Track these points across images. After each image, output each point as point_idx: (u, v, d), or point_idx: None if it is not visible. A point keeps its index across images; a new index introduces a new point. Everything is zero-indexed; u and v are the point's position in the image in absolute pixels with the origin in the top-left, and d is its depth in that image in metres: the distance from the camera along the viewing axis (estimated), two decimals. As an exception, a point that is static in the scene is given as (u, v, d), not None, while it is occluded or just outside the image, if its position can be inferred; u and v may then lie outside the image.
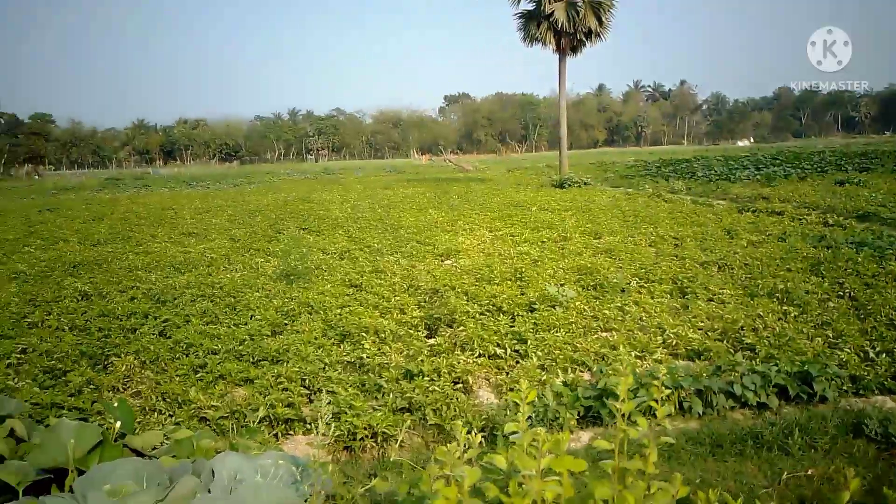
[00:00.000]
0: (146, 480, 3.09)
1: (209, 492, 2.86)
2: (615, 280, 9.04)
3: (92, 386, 6.01)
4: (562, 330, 7.05)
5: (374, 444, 4.95)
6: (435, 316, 7.89)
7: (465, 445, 2.46)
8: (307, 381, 5.92)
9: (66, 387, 5.96)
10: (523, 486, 2.58)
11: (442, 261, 11.76)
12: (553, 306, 7.87)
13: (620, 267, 10.14)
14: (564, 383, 5.54)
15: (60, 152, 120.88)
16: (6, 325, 8.11)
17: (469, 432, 3.38)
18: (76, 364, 6.60)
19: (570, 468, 2.54)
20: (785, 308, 7.73)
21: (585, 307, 7.91)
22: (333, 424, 4.85)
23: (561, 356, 6.31)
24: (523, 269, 10.02)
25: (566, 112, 31.66)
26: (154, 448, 3.59)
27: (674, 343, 6.73)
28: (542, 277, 9.53)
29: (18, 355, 6.97)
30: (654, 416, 3.22)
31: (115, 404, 3.87)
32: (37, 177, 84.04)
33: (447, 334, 7.23)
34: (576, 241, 12.70)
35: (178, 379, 6.10)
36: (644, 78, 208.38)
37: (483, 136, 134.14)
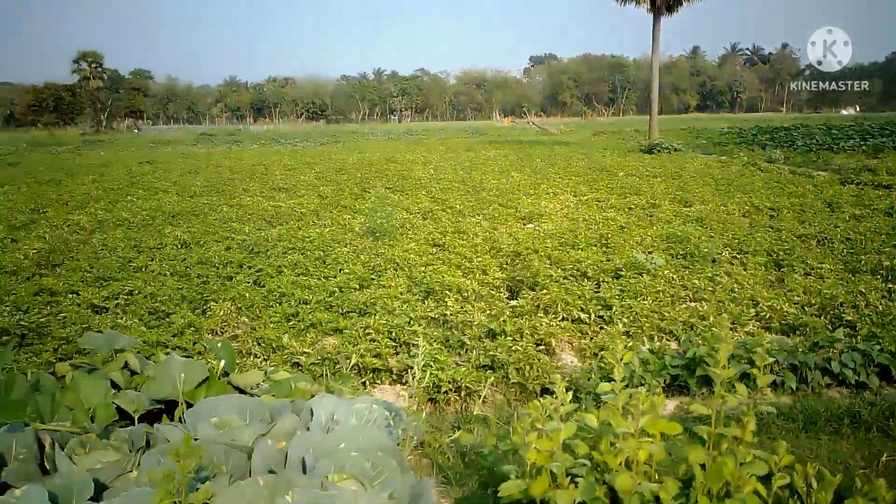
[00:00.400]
0: (249, 416, 3.28)
1: (308, 430, 3.01)
2: (706, 250, 8.76)
3: (192, 328, 6.37)
4: (649, 298, 6.92)
5: (458, 398, 5.06)
6: (517, 278, 7.89)
7: (560, 401, 2.49)
8: (394, 334, 6.07)
9: (170, 328, 6.35)
10: (615, 444, 2.59)
11: (524, 224, 11.70)
12: (640, 273, 7.71)
13: (712, 236, 9.80)
14: (651, 350, 5.46)
15: (158, 107, 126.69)
16: (114, 268, 8.67)
17: (553, 393, 3.40)
18: (178, 307, 7.01)
19: (665, 430, 2.52)
20: (889, 286, 7.30)
21: (674, 276, 7.72)
22: (414, 378, 4.98)
23: (647, 324, 6.21)
24: (609, 235, 9.85)
25: (658, 75, 30.47)
26: (254, 387, 3.80)
27: (767, 316, 6.49)
28: (628, 244, 9.34)
29: (126, 296, 7.46)
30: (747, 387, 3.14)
31: (219, 345, 4.11)
32: (136, 131, 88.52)
33: (529, 297, 7.23)
34: (665, 209, 12.34)
35: (271, 326, 6.38)
36: (742, 41, 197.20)
37: (568, 98, 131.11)
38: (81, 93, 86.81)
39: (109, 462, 2.91)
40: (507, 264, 8.74)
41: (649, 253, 8.67)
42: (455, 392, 5.07)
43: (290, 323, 6.52)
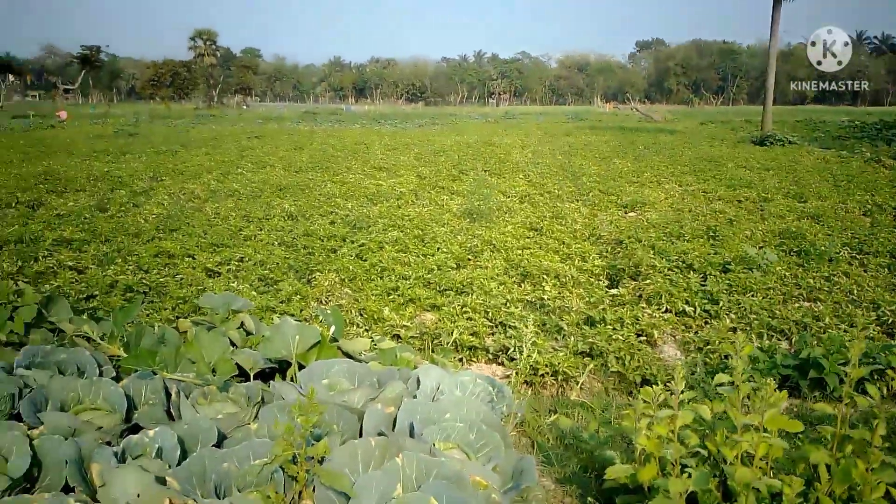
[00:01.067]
0: (358, 380, 3.39)
1: (415, 397, 3.08)
2: (822, 248, 8.25)
3: (299, 296, 6.63)
4: (759, 294, 6.61)
5: (554, 382, 5.02)
6: (618, 266, 7.72)
7: (674, 390, 2.43)
8: (490, 314, 6.10)
9: (278, 294, 6.63)
10: (730, 437, 2.50)
11: (626, 212, 11.42)
12: (750, 269, 7.37)
13: (829, 234, 9.22)
14: (760, 348, 5.22)
15: (265, 85, 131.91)
16: (225, 235, 9.14)
17: (654, 384, 3.32)
18: (285, 275, 7.31)
19: (786, 427, 2.41)
20: None
21: (787, 273, 7.33)
22: (519, 357, 4.98)
23: (756, 321, 5.94)
24: (717, 228, 9.45)
25: (774, 63, 28.80)
26: (361, 354, 3.91)
27: (889, 321, 6.06)
28: (737, 238, 8.94)
29: (237, 263, 7.84)
30: (865, 392, 2.94)
31: (329, 312, 4.26)
32: (245, 107, 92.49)
33: (631, 286, 7.06)
34: (777, 203, 11.71)
35: (373, 298, 6.55)
36: (870, 28, 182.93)
37: (675, 85, 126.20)
38: (196, 69, 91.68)
39: (229, 413, 3.09)
40: (606, 252, 8.57)
41: (760, 248, 8.27)
42: (552, 376, 5.03)
43: (391, 297, 6.67)
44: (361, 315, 6.15)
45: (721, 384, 2.58)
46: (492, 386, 3.27)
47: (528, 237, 9.11)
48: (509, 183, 14.34)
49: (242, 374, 3.70)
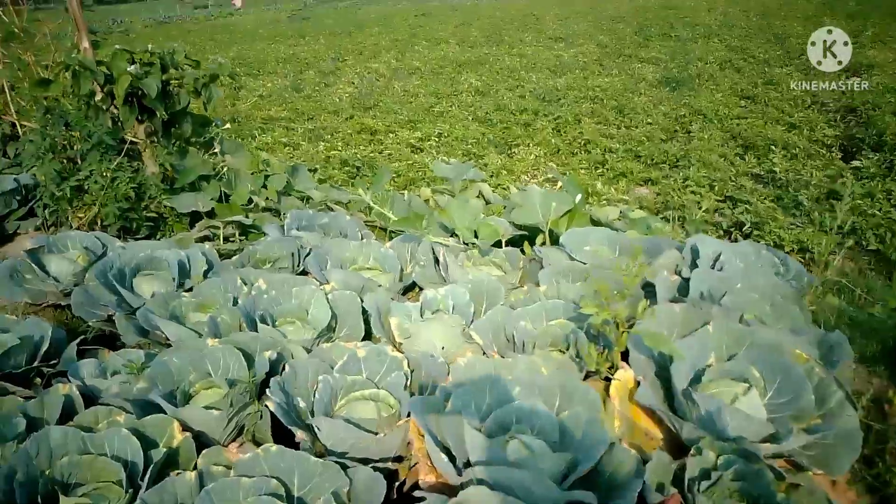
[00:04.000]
0: (618, 248, 3.27)
1: (695, 266, 2.90)
2: None
3: (505, 171, 6.56)
4: None
5: (802, 261, 4.63)
6: (855, 136, 6.84)
7: None
8: (716, 188, 5.69)
9: (485, 168, 6.60)
10: None
11: (847, 77, 10.03)
12: None
13: None
14: None
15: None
16: (420, 111, 9.19)
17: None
18: (486, 150, 7.25)
19: None
20: None
21: None
22: (760, 232, 4.63)
23: None
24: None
25: None
26: (610, 222, 3.77)
27: None
28: None
29: (436, 138, 7.89)
30: None
31: (567, 179, 4.11)
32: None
33: (874, 158, 6.25)
34: None
35: (582, 172, 6.34)
36: None
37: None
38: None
39: (498, 276, 3.11)
40: (835, 121, 7.62)
41: None
42: (798, 253, 4.64)
43: (599, 171, 6.42)
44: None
45: None
46: (776, 257, 3.01)
47: (740, 105, 8.30)
48: (703, 48, 13.06)
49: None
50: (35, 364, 2.70)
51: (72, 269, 3.54)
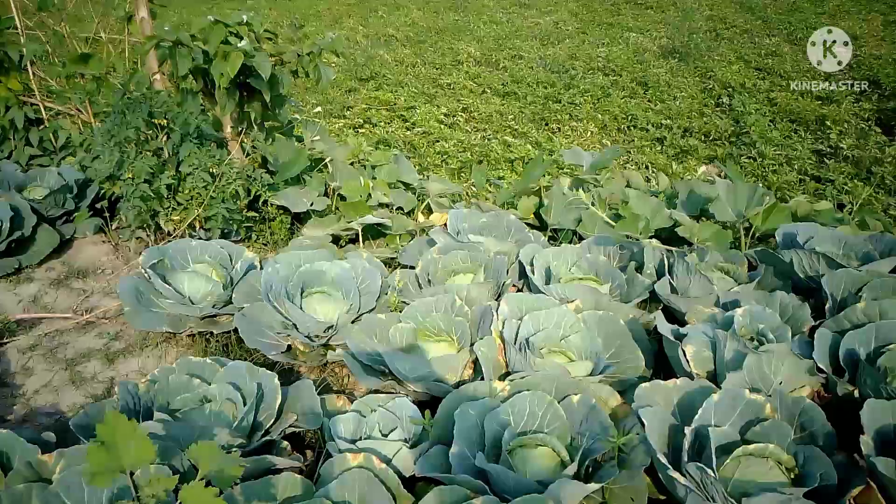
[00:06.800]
0: (842, 247, 3.02)
1: None
2: None
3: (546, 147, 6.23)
4: None
5: None
6: (888, 109, 6.92)
7: None
8: (796, 166, 5.57)
9: (540, 147, 6.23)
10: None
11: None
12: None
13: None
14: None
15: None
16: (427, 82, 8.65)
17: None
18: (526, 127, 6.87)
19: None
20: None
21: None
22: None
23: None
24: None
25: None
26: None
27: None
28: None
29: (461, 114, 7.42)
30: None
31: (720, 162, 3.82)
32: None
33: (919, 131, 6.33)
34: None
35: (646, 150, 6.09)
36: None
37: None
38: None
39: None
40: (861, 92, 7.70)
41: None
42: None
43: (658, 148, 6.19)
44: (648, 168, 5.73)
45: None
46: None
47: (759, 78, 8.25)
48: (682, 18, 12.97)
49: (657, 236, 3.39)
50: (271, 425, 2.19)
51: (209, 288, 2.99)
